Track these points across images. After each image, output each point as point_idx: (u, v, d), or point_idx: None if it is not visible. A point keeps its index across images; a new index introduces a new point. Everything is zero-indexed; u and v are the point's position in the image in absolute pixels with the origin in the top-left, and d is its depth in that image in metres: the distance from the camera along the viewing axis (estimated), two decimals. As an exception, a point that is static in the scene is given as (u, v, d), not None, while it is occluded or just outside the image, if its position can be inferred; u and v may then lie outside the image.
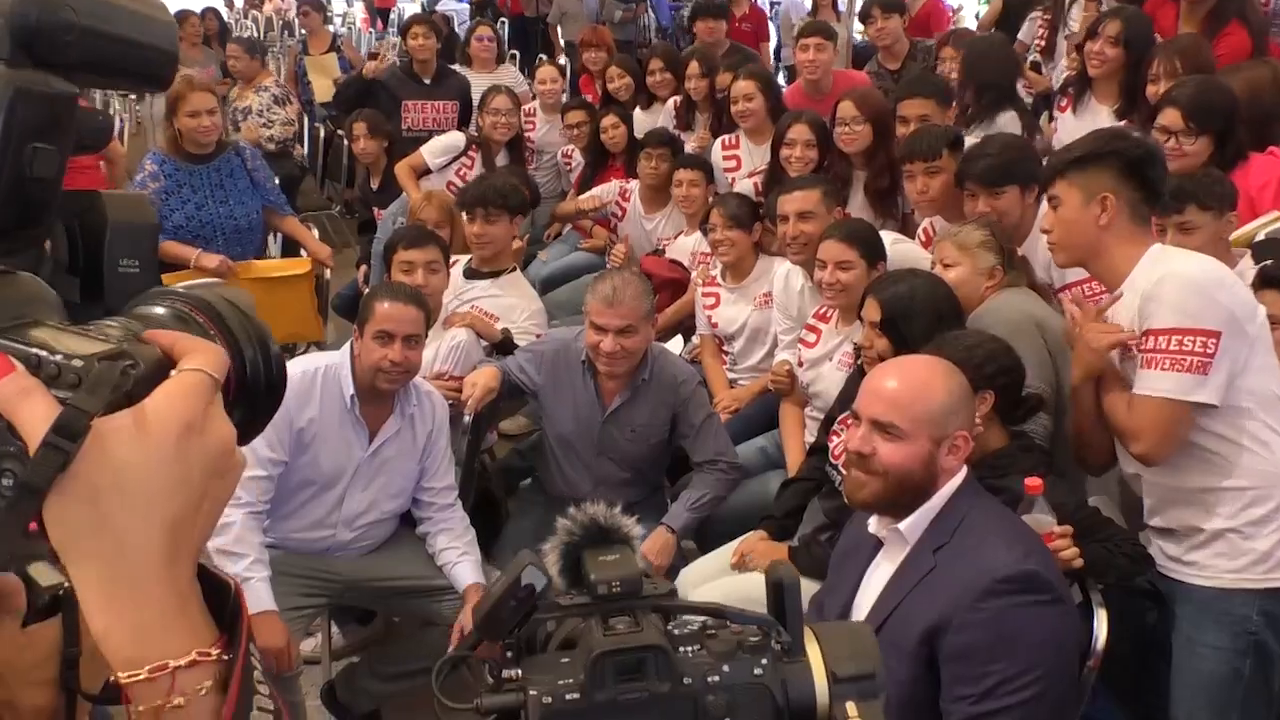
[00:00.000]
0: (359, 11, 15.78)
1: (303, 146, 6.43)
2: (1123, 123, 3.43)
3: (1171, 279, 1.89)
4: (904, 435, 1.72)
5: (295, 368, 2.50)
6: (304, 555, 2.53)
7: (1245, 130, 2.85)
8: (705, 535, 2.92)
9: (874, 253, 2.79)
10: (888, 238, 3.00)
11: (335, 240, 6.74)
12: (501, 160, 4.68)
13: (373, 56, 7.86)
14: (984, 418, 2.05)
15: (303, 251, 4.21)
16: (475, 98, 5.15)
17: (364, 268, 4.73)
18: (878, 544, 1.84)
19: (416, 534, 2.66)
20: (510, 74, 5.82)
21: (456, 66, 5.72)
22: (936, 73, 4.15)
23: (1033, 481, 1.86)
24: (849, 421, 2.48)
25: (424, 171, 4.58)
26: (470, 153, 4.62)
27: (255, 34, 11.93)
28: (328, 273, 4.12)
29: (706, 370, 3.57)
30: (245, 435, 0.62)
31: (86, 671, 0.71)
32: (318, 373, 2.49)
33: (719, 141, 4.29)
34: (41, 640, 0.72)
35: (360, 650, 3.04)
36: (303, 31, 7.56)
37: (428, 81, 5.29)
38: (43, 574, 0.71)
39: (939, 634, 1.59)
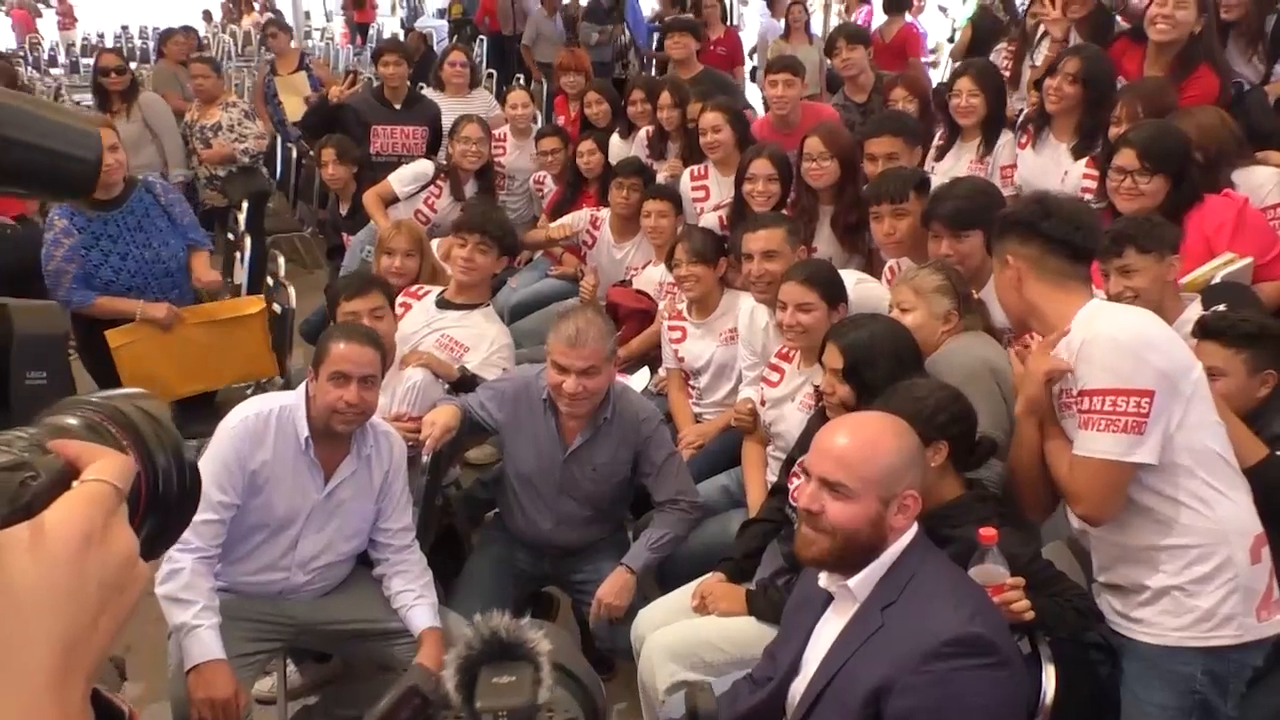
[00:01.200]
0: (338, 27, 15.78)
1: (269, 167, 6.40)
2: (1080, 161, 3.46)
3: (1098, 341, 1.89)
4: (852, 495, 1.72)
5: (249, 409, 2.48)
6: (256, 599, 2.49)
7: (1199, 172, 2.88)
8: (666, 574, 2.91)
9: (834, 294, 2.79)
10: (850, 277, 3.01)
11: (307, 262, 6.72)
12: (470, 189, 4.66)
13: (350, 74, 7.85)
14: (939, 468, 2.05)
15: (287, 288, 4.14)
16: (446, 123, 5.14)
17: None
18: (829, 598, 1.84)
19: (373, 575, 2.63)
20: (483, 99, 5.80)
21: (428, 91, 5.70)
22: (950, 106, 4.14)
23: (987, 532, 1.86)
24: (802, 467, 2.50)
25: (392, 200, 4.56)
26: (439, 181, 4.60)
27: (232, 48, 11.92)
28: (293, 302, 4.06)
29: (672, 404, 3.57)
30: (156, 546, 0.62)
31: None
32: (271, 414, 2.46)
33: (688, 172, 4.30)
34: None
35: (318, 689, 3.00)
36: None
37: (398, 107, 5.27)
38: None
39: (884, 696, 1.58)
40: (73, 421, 0.62)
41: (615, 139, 5.08)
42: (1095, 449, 1.87)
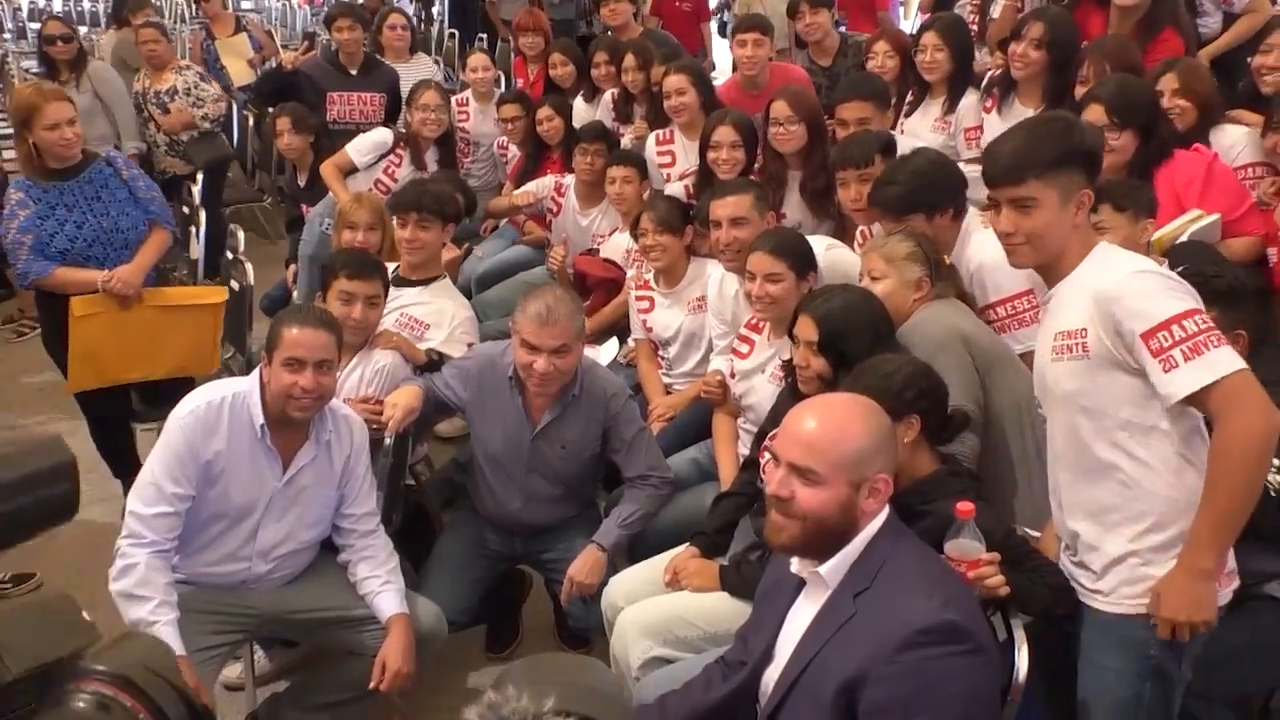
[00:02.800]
0: (296, -14, 15.39)
1: (226, 134, 6.22)
2: None
3: (1135, 279, 1.80)
4: (821, 480, 1.69)
5: (200, 397, 2.40)
6: (217, 590, 2.43)
7: (1193, 122, 2.85)
8: (637, 546, 2.88)
9: (803, 264, 2.74)
10: (820, 244, 2.96)
11: (269, 233, 6.59)
12: (431, 157, 4.55)
13: (308, 37, 7.63)
14: (911, 443, 2.02)
15: (244, 265, 4.04)
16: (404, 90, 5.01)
17: (292, 267, 4.60)
18: (800, 583, 1.81)
19: (338, 561, 2.58)
20: (425, 65, 5.63)
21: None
22: (867, 69, 4.09)
23: (964, 506, 1.84)
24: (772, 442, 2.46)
25: (350, 170, 4.44)
26: (398, 150, 4.49)
27: (186, 11, 11.58)
28: (251, 279, 3.96)
29: (642, 375, 3.53)
30: None
31: None
32: (224, 402, 2.39)
33: (653, 136, 4.22)
34: None
35: (287, 674, 2.97)
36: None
37: (354, 73, 5.13)
38: None
39: (857, 686, 1.56)
40: (83, 705, 0.68)
41: (579, 102, 4.97)
42: (1198, 380, 1.72)
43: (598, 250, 4.14)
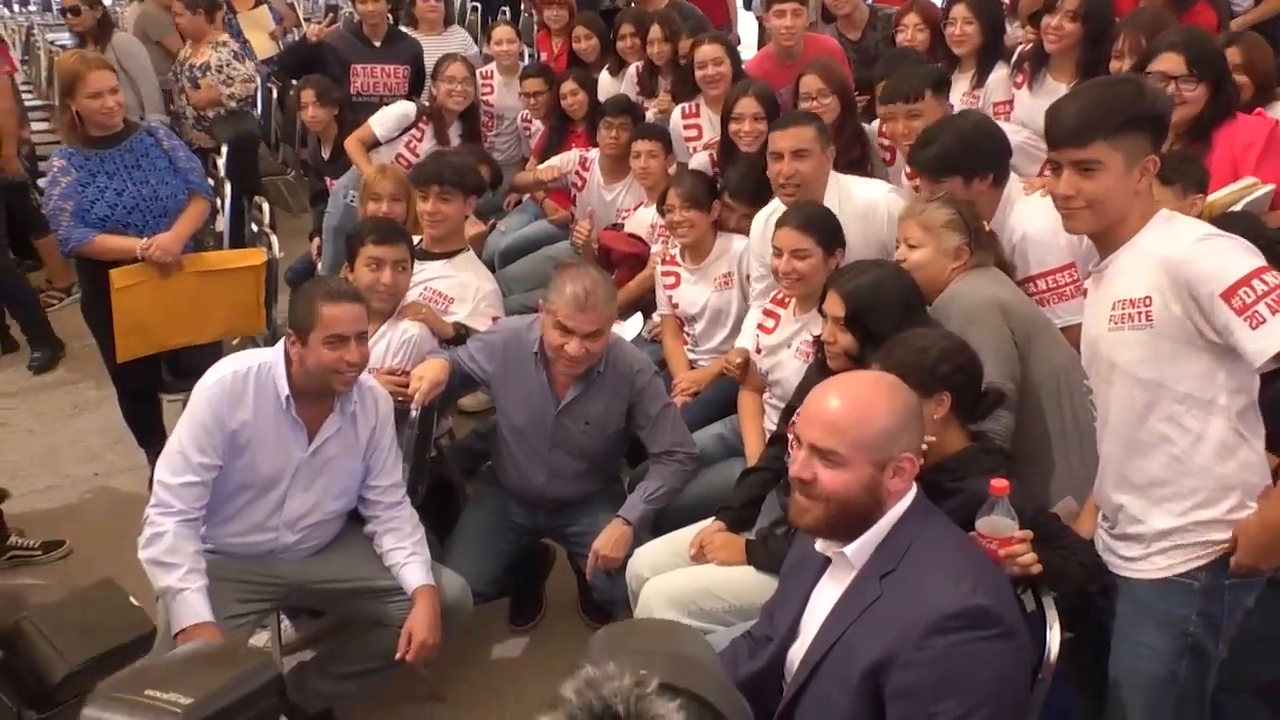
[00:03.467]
0: (318, -42, 15.35)
1: (255, 109, 6.22)
2: None
3: (1210, 239, 1.75)
4: (844, 462, 1.66)
5: (226, 368, 2.41)
6: (245, 559, 2.45)
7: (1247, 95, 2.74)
8: (660, 520, 2.88)
9: (831, 240, 2.71)
10: (881, 188, 2.93)
11: (292, 206, 6.60)
12: (454, 131, 4.52)
13: (332, 10, 7.59)
14: (941, 419, 2.00)
15: (270, 238, 4.05)
16: (428, 63, 4.98)
17: (316, 240, 4.61)
18: (826, 559, 1.79)
19: (364, 533, 2.59)
20: (460, 38, 5.60)
21: (404, 28, 5.51)
22: (896, 42, 4.03)
23: (999, 482, 1.81)
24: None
25: (373, 143, 4.43)
26: (421, 124, 4.46)
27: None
28: (277, 251, 3.97)
29: (667, 351, 3.51)
30: None
31: None
32: (250, 373, 2.39)
33: (678, 110, 4.18)
34: None
35: (313, 644, 2.98)
36: None
37: (377, 44, 5.09)
38: None
39: (883, 670, 1.54)
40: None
41: (605, 76, 4.92)
42: None
43: (622, 225, 4.12)
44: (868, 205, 2.95)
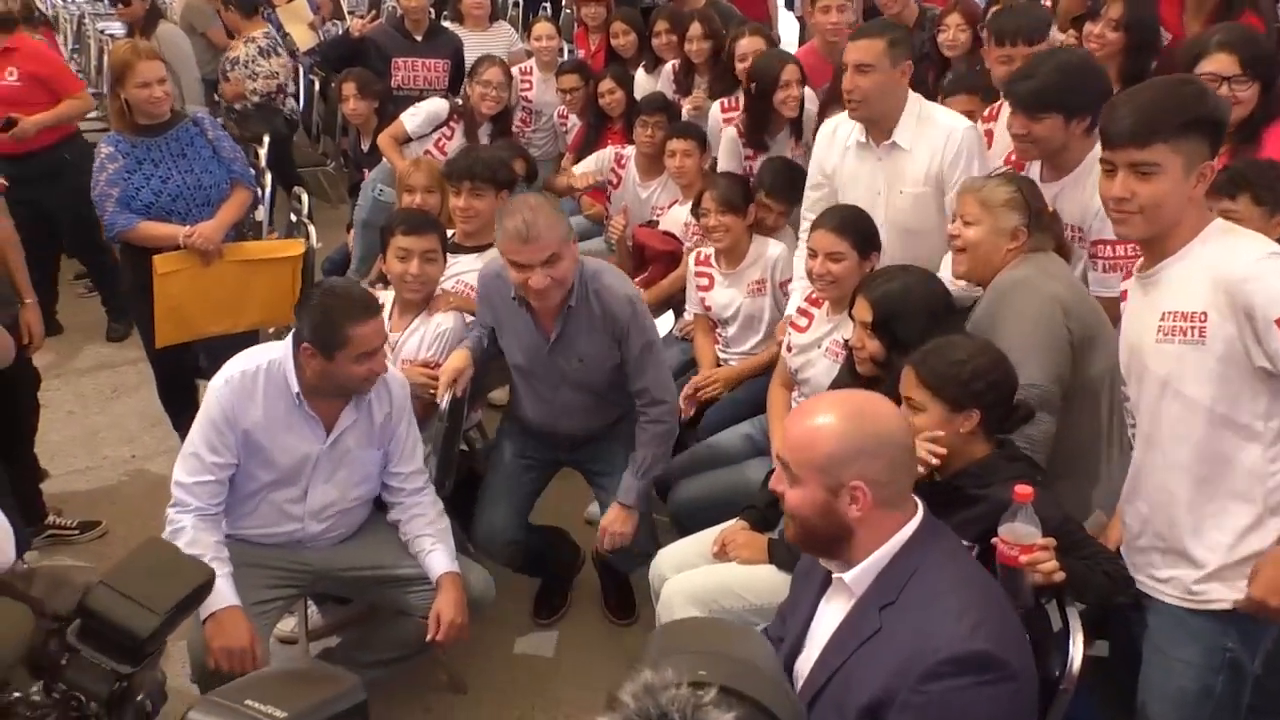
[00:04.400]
0: (363, -48, 15.50)
1: (296, 100, 6.29)
2: None
3: (1275, 260, 1.70)
4: (799, 480, 1.63)
5: (235, 367, 2.43)
6: (273, 547, 2.49)
7: None
8: (685, 519, 2.89)
9: (866, 243, 2.70)
10: (963, 122, 2.87)
11: (331, 197, 6.67)
12: (484, 133, 4.51)
13: (374, 4, 7.64)
14: (968, 433, 1.99)
15: (308, 228, 4.10)
16: (469, 58, 5.00)
17: (353, 231, 4.65)
18: (829, 573, 1.77)
19: (388, 520, 2.61)
20: (505, 33, 5.61)
21: (447, 23, 5.55)
22: (939, 41, 3.99)
23: (1023, 489, 1.79)
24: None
25: (405, 139, 4.45)
26: (452, 123, 4.46)
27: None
28: (315, 241, 4.01)
29: (697, 348, 3.51)
30: None
31: None
32: (259, 371, 2.41)
33: (718, 104, 4.17)
34: None
35: (340, 630, 3.02)
36: None
37: (419, 39, 5.12)
38: None
39: (882, 709, 1.51)
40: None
41: (640, 74, 4.92)
42: None
43: (657, 222, 4.12)
44: (946, 133, 2.85)
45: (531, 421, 2.89)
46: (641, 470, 2.78)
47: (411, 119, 4.43)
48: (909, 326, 2.24)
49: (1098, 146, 2.34)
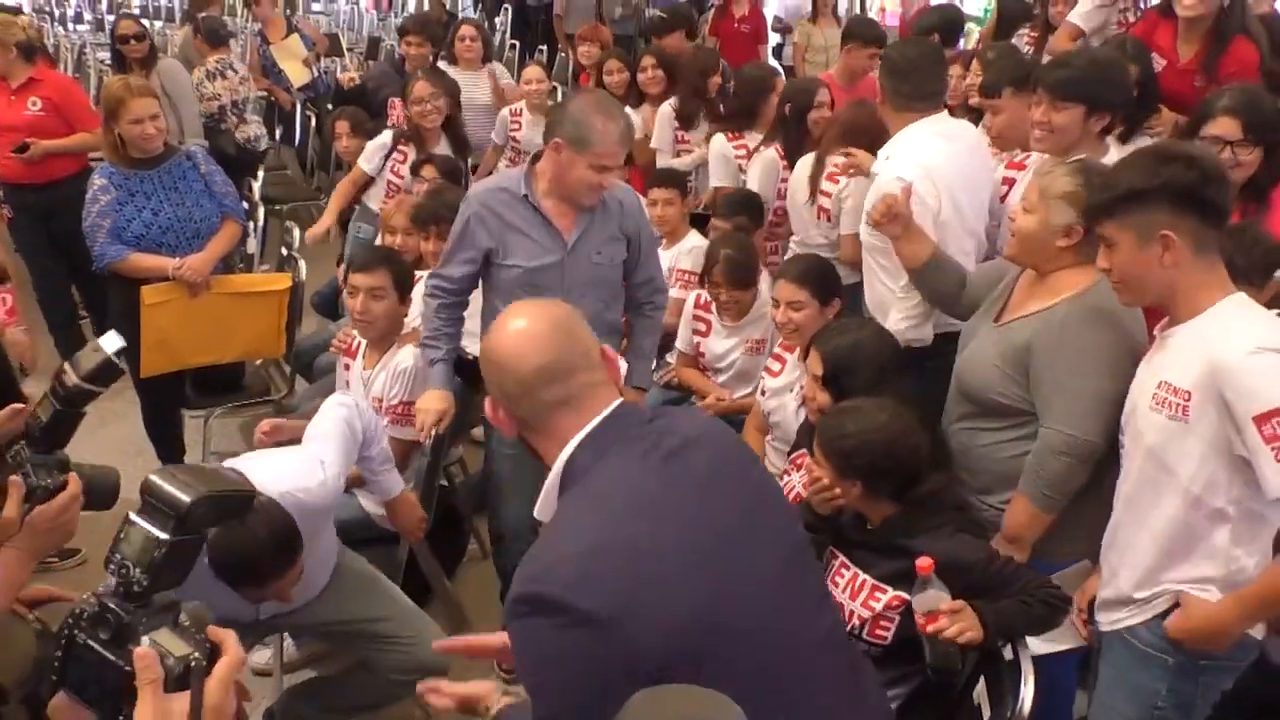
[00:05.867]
0: (365, -9, 15.70)
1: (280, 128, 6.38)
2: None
3: (1270, 353, 1.68)
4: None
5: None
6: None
7: None
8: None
9: (826, 292, 2.79)
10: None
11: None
12: (443, 148, 4.52)
13: (374, 43, 7.76)
14: (858, 495, 2.02)
15: (298, 262, 4.17)
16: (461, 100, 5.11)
17: (343, 266, 4.71)
18: None
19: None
20: (498, 72, 5.76)
21: (443, 64, 5.67)
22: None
23: (923, 563, 1.84)
24: (798, 461, 2.49)
25: (366, 180, 4.53)
26: (400, 146, 4.52)
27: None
28: (304, 275, 4.08)
29: (688, 379, 3.52)
30: None
31: None
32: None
33: (720, 136, 4.30)
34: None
35: (315, 663, 3.04)
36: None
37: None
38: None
39: None
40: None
41: (628, 110, 5.03)
42: None
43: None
44: None
45: None
46: (643, 352, 2.97)
47: (366, 162, 4.54)
48: (857, 380, 2.30)
49: (1111, 153, 2.45)
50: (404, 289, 3.02)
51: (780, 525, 1.52)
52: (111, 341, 1.54)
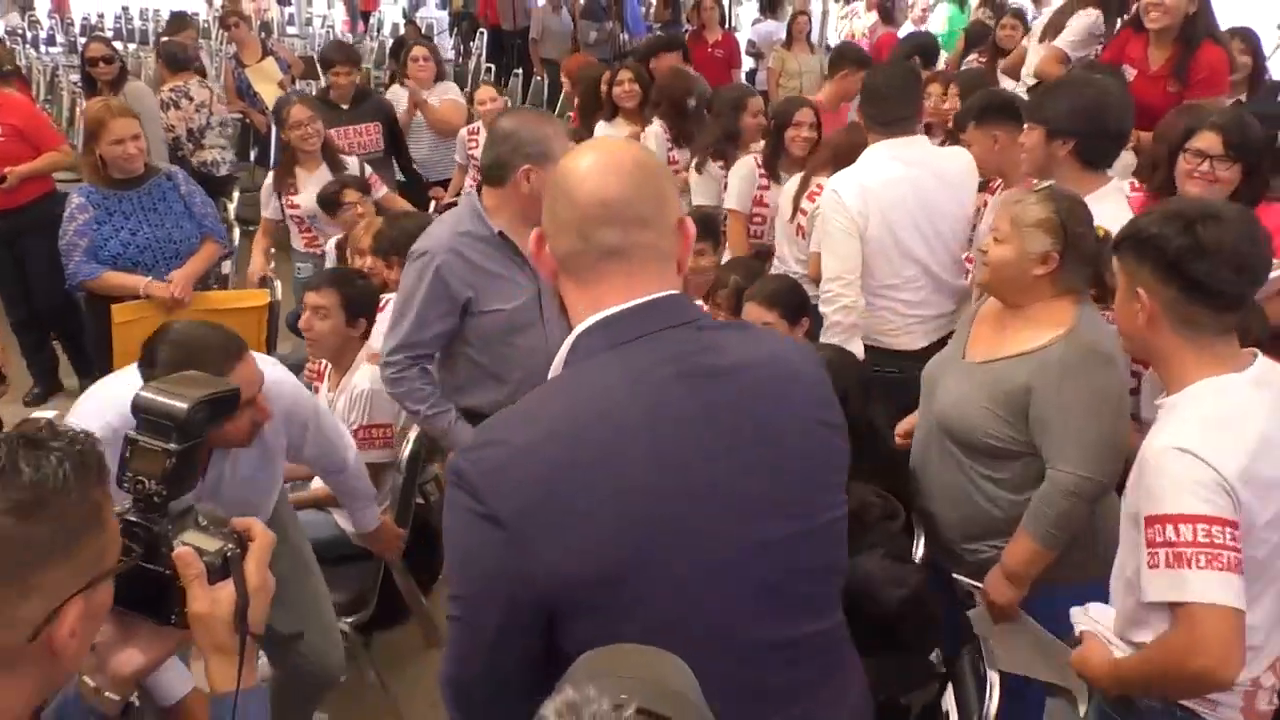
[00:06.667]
0: (339, 14, 15.77)
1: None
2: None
3: (1188, 456, 1.56)
4: None
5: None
6: None
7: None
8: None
9: (795, 312, 2.82)
10: None
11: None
12: (320, 176, 4.39)
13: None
14: None
15: (273, 282, 4.17)
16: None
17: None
18: None
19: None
20: (452, 91, 5.72)
21: (396, 89, 5.63)
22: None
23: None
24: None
25: (279, 220, 4.47)
26: (287, 179, 4.43)
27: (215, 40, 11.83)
28: (279, 295, 4.08)
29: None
30: None
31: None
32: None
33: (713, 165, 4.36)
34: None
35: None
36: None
37: (345, 107, 5.13)
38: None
39: None
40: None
41: (602, 124, 5.10)
42: (1170, 592, 1.57)
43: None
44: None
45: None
46: None
47: (265, 208, 4.50)
48: None
49: (1105, 187, 2.55)
50: (355, 310, 2.98)
51: (794, 511, 1.24)
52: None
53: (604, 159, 1.27)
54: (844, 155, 3.46)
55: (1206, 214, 1.66)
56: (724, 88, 4.94)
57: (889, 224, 2.84)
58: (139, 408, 1.10)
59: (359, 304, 3.02)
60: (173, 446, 1.08)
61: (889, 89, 2.95)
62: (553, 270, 1.30)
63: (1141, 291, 1.67)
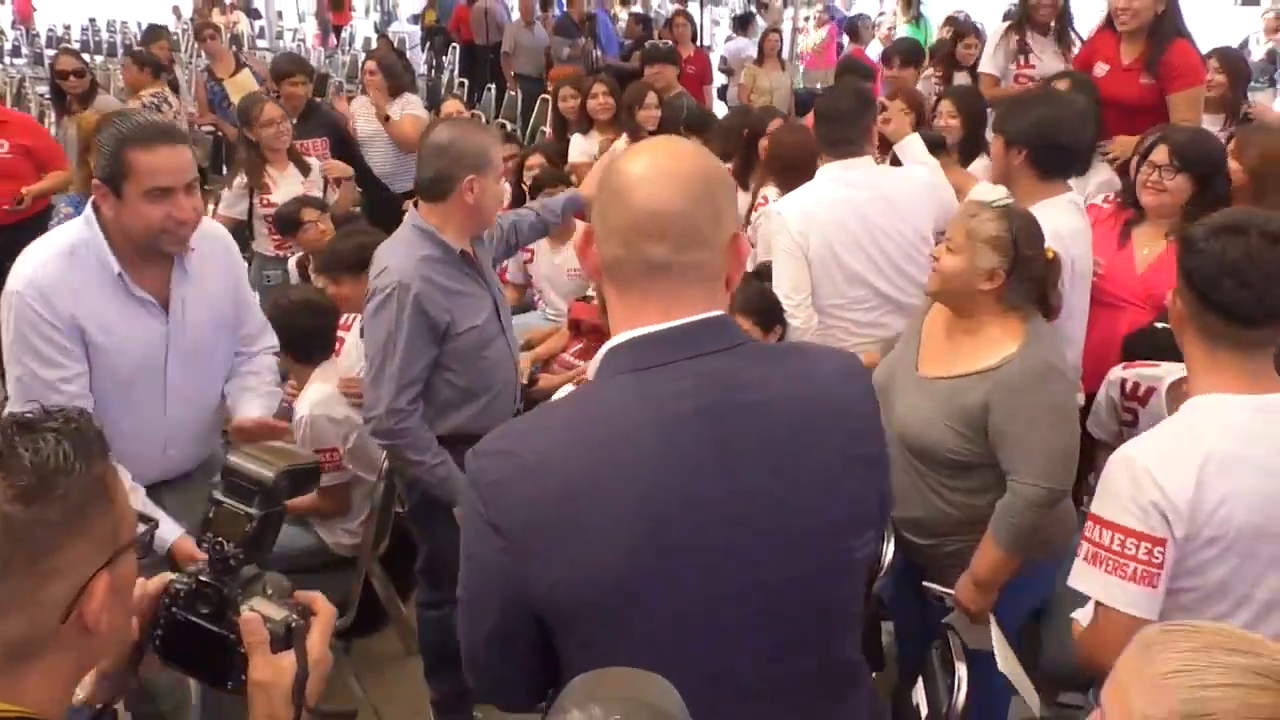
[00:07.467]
0: (311, 28, 15.77)
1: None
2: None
3: (1134, 466, 1.62)
4: None
5: (41, 253, 2.07)
6: None
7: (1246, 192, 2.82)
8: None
9: (768, 319, 2.84)
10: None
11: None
12: (290, 174, 4.44)
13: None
14: None
15: None
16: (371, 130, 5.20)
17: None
18: None
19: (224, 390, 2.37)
20: (413, 103, 5.67)
21: (360, 100, 5.65)
22: (934, 125, 4.19)
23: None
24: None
25: (240, 224, 4.38)
26: (263, 179, 4.44)
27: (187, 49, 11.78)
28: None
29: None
30: None
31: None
32: (73, 252, 2.05)
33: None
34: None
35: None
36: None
37: (294, 122, 4.96)
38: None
39: None
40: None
41: (577, 136, 5.16)
42: (1090, 587, 1.66)
43: (592, 297, 4.25)
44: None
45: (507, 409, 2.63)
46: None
47: (230, 209, 4.44)
48: None
49: (1058, 196, 2.64)
50: (303, 352, 2.99)
51: (799, 556, 1.20)
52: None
53: (662, 164, 1.20)
54: (792, 164, 3.55)
55: (1243, 223, 1.64)
56: (759, 111, 4.83)
57: (830, 245, 2.86)
58: (228, 470, 1.13)
59: (303, 345, 2.98)
60: (255, 511, 1.11)
61: (836, 111, 3.00)
62: (596, 270, 1.25)
63: (1174, 292, 1.71)
